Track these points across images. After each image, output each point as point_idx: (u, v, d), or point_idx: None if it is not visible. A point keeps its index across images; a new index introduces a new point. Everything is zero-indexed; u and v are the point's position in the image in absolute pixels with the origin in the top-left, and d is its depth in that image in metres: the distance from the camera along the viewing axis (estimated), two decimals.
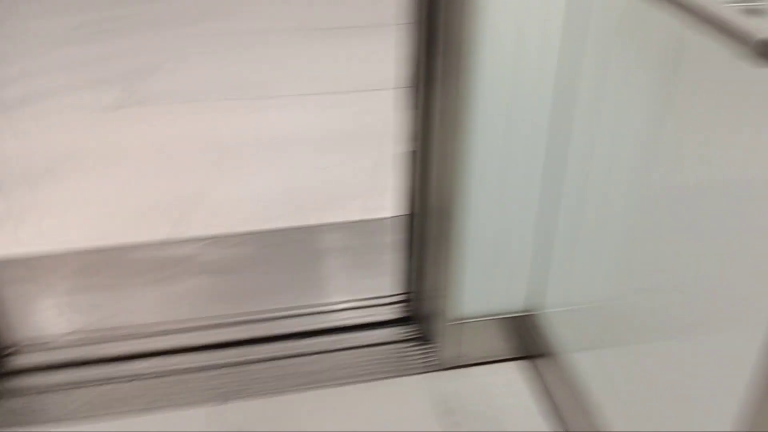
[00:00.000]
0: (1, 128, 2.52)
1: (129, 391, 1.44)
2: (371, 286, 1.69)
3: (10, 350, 1.51)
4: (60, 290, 1.71)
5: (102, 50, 3.17)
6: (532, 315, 1.45)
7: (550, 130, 1.24)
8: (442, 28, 1.17)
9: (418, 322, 1.57)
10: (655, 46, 0.93)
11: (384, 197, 1.96)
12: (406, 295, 1.60)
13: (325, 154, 2.30)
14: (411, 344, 1.55)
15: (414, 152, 1.41)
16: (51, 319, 1.61)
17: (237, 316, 1.62)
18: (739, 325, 0.81)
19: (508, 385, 1.44)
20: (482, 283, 1.41)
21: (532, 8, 1.12)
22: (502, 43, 1.14)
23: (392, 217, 1.80)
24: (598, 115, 1.13)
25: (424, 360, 1.50)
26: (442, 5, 1.16)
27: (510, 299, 1.44)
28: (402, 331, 1.58)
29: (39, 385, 1.46)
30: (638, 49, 0.98)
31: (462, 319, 1.44)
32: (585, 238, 1.23)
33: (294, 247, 1.86)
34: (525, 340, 1.47)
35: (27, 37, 3.30)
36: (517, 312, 1.45)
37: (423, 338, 1.55)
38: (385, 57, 2.59)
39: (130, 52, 3.15)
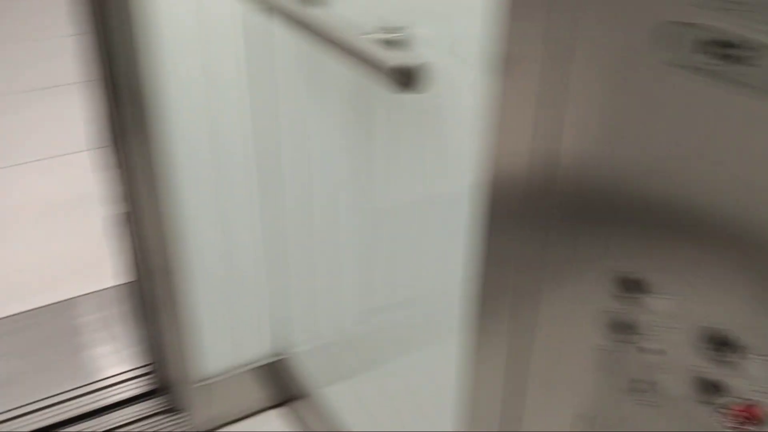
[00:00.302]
0: None
1: None
2: (112, 362, 1.56)
3: None
4: None
5: None
6: (282, 359, 1.42)
7: (260, 172, 1.23)
8: (125, 83, 1.11)
9: (165, 392, 1.47)
10: (330, 81, 0.96)
11: (109, 265, 1.83)
12: (150, 366, 1.50)
13: (42, 227, 2.10)
14: (162, 417, 1.44)
15: (127, 214, 1.32)
16: None
17: None
18: (450, 332, 0.85)
19: None
20: (223, 337, 1.35)
21: (215, 55, 1.11)
22: (191, 92, 1.11)
23: (120, 285, 1.68)
24: (302, 152, 1.14)
25: (177, 431, 1.41)
26: (122, 60, 1.10)
27: (256, 347, 1.40)
28: (151, 404, 1.46)
29: None
30: (320, 84, 1.01)
31: (209, 378, 1.36)
32: (315, 273, 1.23)
33: (20, 335, 1.66)
34: (279, 386, 1.44)
35: None
36: (266, 359, 1.41)
37: (173, 408, 1.45)
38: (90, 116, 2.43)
39: None
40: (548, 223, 0.54)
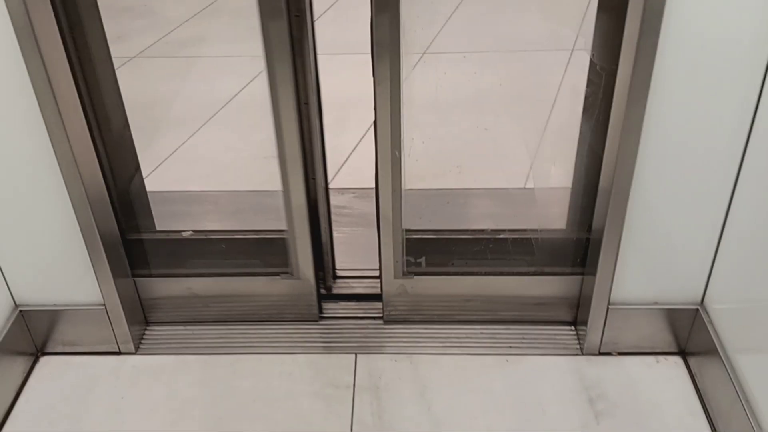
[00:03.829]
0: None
1: None
2: None
3: None
4: None
5: None
6: (691, 309, 1.39)
7: (739, 117, 1.17)
8: None
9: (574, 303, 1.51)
10: None
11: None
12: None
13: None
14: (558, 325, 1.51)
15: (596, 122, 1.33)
16: None
17: None
18: None
19: (660, 379, 1.40)
20: (646, 268, 1.35)
21: None
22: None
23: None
24: None
25: (572, 343, 1.48)
26: None
27: (674, 289, 1.38)
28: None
29: None
30: None
31: (620, 303, 1.39)
32: (759, 234, 1.17)
33: None
34: (683, 334, 1.43)
35: None
36: (680, 304, 1.39)
37: (574, 321, 1.51)
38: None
39: None
40: None
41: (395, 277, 1.49)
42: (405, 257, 1.47)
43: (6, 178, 1.27)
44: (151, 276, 1.51)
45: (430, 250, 1.51)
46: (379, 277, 1.50)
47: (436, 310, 1.53)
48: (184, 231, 1.53)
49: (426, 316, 1.54)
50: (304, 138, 1.33)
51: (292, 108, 1.27)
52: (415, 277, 1.49)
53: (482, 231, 1.51)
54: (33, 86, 1.16)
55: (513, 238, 1.50)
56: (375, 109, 1.28)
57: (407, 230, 1.45)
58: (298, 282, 1.50)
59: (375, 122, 1.29)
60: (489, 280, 1.50)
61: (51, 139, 1.21)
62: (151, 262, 1.52)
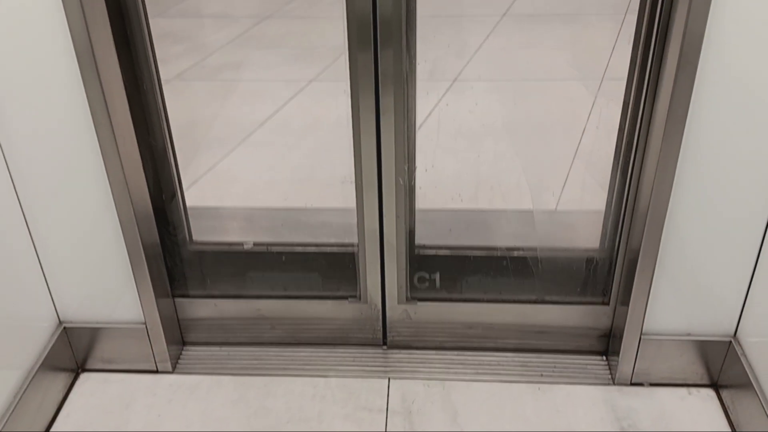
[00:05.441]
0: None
1: None
2: None
3: None
4: None
5: None
6: (724, 341, 1.40)
7: None
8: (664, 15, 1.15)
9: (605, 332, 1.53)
10: None
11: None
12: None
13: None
14: (591, 355, 1.53)
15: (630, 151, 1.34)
16: None
17: None
18: None
19: (692, 411, 1.40)
20: (681, 298, 1.36)
21: None
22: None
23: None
24: None
25: (603, 372, 1.49)
26: None
27: (709, 321, 1.39)
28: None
29: None
30: None
31: (652, 334, 1.40)
32: None
33: None
34: (716, 367, 1.43)
35: None
36: (713, 336, 1.40)
37: (605, 350, 1.53)
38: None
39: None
40: None
41: (399, 303, 1.52)
42: (408, 282, 1.50)
43: (57, 199, 1.31)
44: (189, 296, 1.55)
45: (467, 271, 1.54)
46: (383, 302, 1.52)
47: (447, 337, 1.55)
48: (245, 243, 1.56)
49: (438, 342, 1.56)
50: (380, 164, 1.37)
51: (373, 135, 1.31)
52: (419, 302, 1.52)
53: (515, 252, 1.53)
54: (90, 107, 1.20)
55: (544, 268, 1.52)
56: (379, 136, 1.32)
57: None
58: (365, 306, 1.53)
59: (379, 149, 1.34)
60: (519, 308, 1.52)
61: (104, 161, 1.26)
62: (190, 284, 1.56)
